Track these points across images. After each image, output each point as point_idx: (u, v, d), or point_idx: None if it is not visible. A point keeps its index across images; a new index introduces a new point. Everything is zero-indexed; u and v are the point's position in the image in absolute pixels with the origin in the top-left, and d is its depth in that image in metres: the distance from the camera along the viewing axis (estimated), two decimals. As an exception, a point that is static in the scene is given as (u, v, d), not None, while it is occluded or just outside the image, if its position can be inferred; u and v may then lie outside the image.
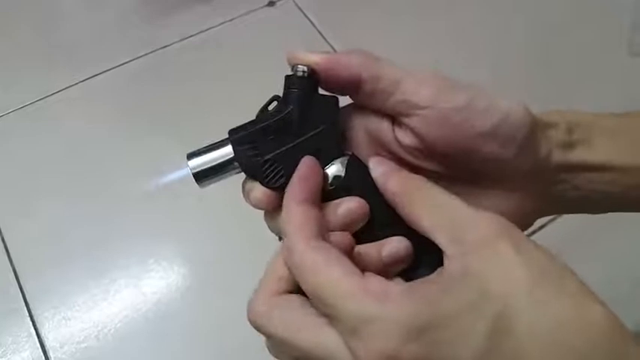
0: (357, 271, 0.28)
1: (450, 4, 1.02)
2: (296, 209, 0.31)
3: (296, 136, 0.34)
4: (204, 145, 0.34)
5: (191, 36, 0.99)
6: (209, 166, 0.34)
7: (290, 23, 1.00)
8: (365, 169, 0.34)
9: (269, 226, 0.36)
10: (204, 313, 0.74)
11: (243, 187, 0.35)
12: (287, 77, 0.35)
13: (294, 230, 0.30)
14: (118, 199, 0.82)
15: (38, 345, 0.72)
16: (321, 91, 0.35)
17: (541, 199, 0.36)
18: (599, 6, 0.99)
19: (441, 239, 0.29)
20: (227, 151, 0.34)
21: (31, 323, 0.73)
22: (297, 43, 1.00)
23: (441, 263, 0.29)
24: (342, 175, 0.33)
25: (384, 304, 0.27)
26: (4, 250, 0.78)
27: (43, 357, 0.71)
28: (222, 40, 0.98)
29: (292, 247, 0.30)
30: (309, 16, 1.01)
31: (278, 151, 0.33)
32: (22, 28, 1.01)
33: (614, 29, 0.96)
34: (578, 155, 0.36)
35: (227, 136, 0.34)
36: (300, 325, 0.29)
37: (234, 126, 0.35)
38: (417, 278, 0.30)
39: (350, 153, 0.34)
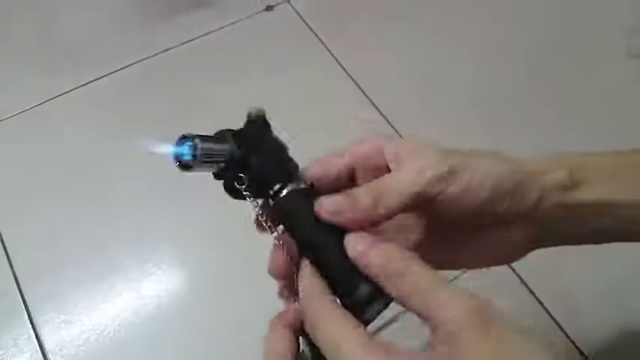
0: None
1: (450, 10, 1.02)
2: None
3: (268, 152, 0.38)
4: (200, 134, 0.36)
5: (190, 40, 0.99)
6: (213, 151, 0.36)
7: (288, 28, 1.01)
8: (307, 200, 0.36)
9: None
10: (203, 317, 0.74)
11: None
12: (247, 120, 0.40)
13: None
14: (118, 202, 0.83)
15: (38, 348, 0.72)
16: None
17: (541, 234, 0.39)
18: (598, 10, 1.00)
19: (423, 316, 0.31)
20: (232, 147, 0.37)
21: (30, 326, 0.73)
22: (295, 48, 1.01)
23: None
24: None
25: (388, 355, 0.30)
26: (3, 253, 0.78)
27: (43, 360, 0.71)
28: (221, 44, 0.99)
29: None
30: (306, 20, 1.01)
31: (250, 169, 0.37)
32: (23, 32, 1.02)
33: (613, 32, 0.97)
34: (577, 196, 0.38)
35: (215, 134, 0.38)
36: None
37: (234, 129, 0.38)
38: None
39: (307, 182, 0.38)
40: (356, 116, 0.89)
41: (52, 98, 0.93)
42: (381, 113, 0.90)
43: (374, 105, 0.91)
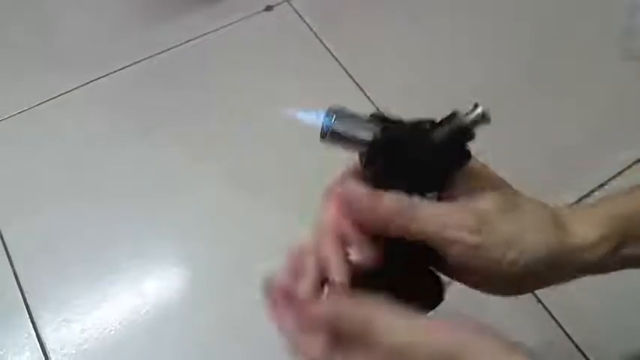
0: None
1: (450, 11, 1.03)
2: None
3: (420, 159, 0.35)
4: (349, 111, 0.36)
5: (190, 40, 0.99)
6: (346, 135, 0.35)
7: (288, 27, 1.01)
8: None
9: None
10: (203, 315, 0.74)
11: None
12: (456, 113, 0.36)
13: None
14: (118, 202, 0.83)
15: (38, 347, 0.72)
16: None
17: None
18: (593, 12, 1.00)
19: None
20: (368, 135, 0.35)
21: (31, 325, 0.74)
22: (294, 47, 1.01)
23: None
24: None
25: None
26: (4, 253, 0.79)
27: (44, 359, 0.72)
28: (221, 44, 0.99)
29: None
30: (306, 20, 1.02)
31: (402, 165, 0.35)
32: (22, 33, 1.02)
33: (608, 34, 0.97)
34: (620, 255, 0.37)
35: (369, 116, 0.36)
36: None
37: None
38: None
39: (437, 194, 0.35)
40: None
41: (51, 98, 0.93)
42: (380, 111, 0.90)
43: (373, 103, 0.91)
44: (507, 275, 0.35)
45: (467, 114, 0.35)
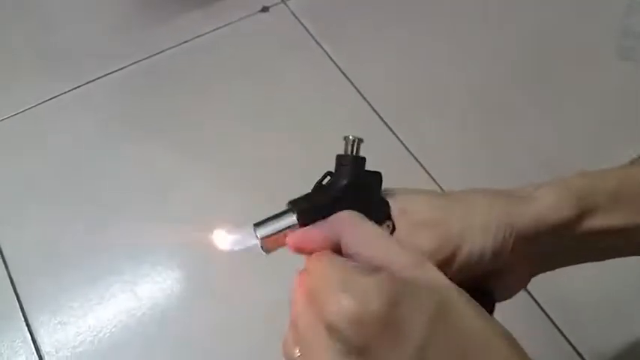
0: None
1: (446, 12, 1.03)
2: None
3: (347, 207, 0.38)
4: (268, 217, 0.39)
5: (186, 42, 0.99)
6: (275, 233, 0.38)
7: (284, 29, 1.01)
8: None
9: None
10: (199, 318, 0.74)
11: None
12: (338, 156, 0.39)
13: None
14: (112, 205, 0.83)
15: (34, 350, 0.72)
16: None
17: (547, 262, 0.40)
18: (590, 11, 1.00)
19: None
20: (292, 220, 0.38)
21: (26, 328, 0.73)
22: (291, 48, 1.01)
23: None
24: None
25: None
26: (-1, 256, 0.78)
27: (39, 362, 0.71)
28: (217, 45, 0.99)
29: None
30: (302, 21, 1.01)
31: None
32: (16, 35, 1.02)
33: (605, 34, 0.97)
34: (584, 226, 0.38)
35: (286, 206, 0.39)
36: None
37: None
38: None
39: (391, 223, 0.38)
40: (352, 116, 0.89)
41: (42, 102, 0.93)
42: (377, 113, 0.90)
43: (370, 105, 0.91)
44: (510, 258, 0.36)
45: (347, 149, 0.39)
